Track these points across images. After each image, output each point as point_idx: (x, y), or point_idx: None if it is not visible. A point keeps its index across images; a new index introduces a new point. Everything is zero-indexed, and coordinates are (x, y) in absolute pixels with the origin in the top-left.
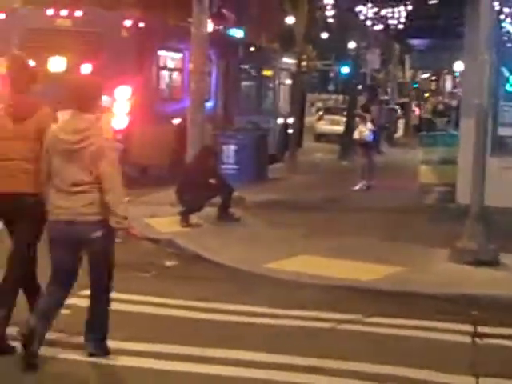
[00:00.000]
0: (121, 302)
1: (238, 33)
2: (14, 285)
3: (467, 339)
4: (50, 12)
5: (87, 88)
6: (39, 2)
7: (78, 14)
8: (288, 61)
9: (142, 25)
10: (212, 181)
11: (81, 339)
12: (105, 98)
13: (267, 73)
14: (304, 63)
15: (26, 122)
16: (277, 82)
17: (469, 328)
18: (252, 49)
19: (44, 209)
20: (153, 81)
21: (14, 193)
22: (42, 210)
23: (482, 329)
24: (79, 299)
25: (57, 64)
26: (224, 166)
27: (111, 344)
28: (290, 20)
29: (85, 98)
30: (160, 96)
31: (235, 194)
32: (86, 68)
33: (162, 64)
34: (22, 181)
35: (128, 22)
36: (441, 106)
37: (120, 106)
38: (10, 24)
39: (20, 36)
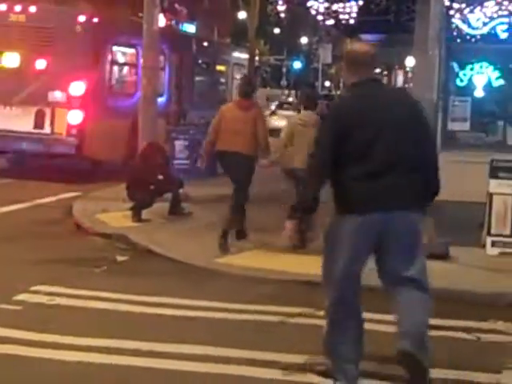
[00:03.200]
0: (70, 296)
1: (190, 27)
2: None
3: None
4: (2, 7)
5: None
6: None
7: (32, 9)
8: (241, 56)
9: (95, 20)
10: (160, 177)
11: (31, 335)
12: (59, 94)
13: (220, 68)
14: (256, 58)
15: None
16: (230, 76)
17: None
18: (204, 44)
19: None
20: (106, 76)
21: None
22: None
23: (432, 320)
24: (30, 295)
25: (11, 59)
26: (176, 162)
27: (60, 339)
28: (242, 15)
29: None
30: (114, 91)
31: (180, 191)
32: (41, 63)
33: (115, 59)
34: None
35: (82, 18)
36: None
37: (74, 101)
38: None
39: None
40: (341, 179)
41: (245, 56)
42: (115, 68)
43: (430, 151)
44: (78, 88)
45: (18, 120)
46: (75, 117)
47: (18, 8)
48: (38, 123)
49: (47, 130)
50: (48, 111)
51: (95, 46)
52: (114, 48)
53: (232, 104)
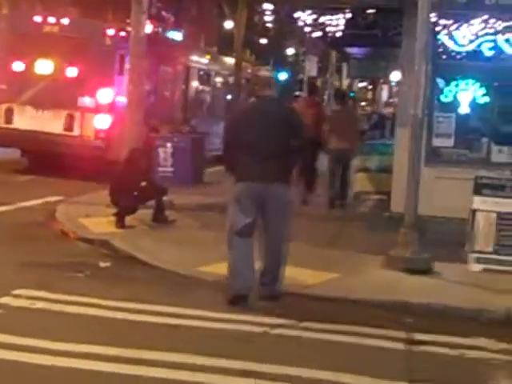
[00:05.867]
0: (52, 301)
1: (176, 35)
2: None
3: (401, 346)
4: (38, 19)
5: None
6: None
7: (65, 21)
8: (227, 65)
9: (123, 34)
10: (144, 183)
11: (12, 339)
12: (87, 99)
13: (207, 76)
14: (249, 70)
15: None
16: (217, 85)
17: (402, 335)
18: (191, 51)
19: None
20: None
21: None
22: None
23: (415, 336)
24: (12, 298)
25: (44, 66)
26: (160, 169)
27: (39, 344)
28: (228, 24)
29: None
30: None
31: (164, 198)
32: (72, 71)
33: None
34: None
35: (111, 31)
36: (375, 117)
37: (102, 107)
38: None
39: (9, 40)
40: (238, 159)
41: (231, 66)
42: None
43: (295, 144)
44: (105, 95)
45: (49, 122)
46: (103, 121)
47: (52, 20)
48: (68, 126)
49: (76, 132)
50: (77, 115)
51: (121, 57)
52: None
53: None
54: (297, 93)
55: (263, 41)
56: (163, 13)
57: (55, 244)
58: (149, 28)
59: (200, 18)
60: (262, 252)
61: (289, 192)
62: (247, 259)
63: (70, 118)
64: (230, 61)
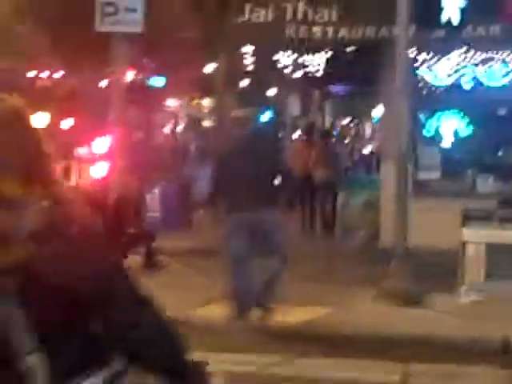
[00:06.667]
0: None
1: (158, 81)
2: None
3: (396, 378)
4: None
5: None
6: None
7: (58, 75)
8: (209, 109)
9: None
10: (132, 230)
11: None
12: (83, 150)
13: (191, 120)
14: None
15: None
16: (201, 129)
17: (397, 367)
18: (174, 97)
19: None
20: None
21: None
22: None
23: (410, 368)
24: None
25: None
26: (148, 215)
27: None
28: (209, 68)
29: None
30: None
31: (153, 244)
32: (67, 123)
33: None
34: None
35: (104, 82)
36: (357, 152)
37: (97, 157)
38: None
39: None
40: (228, 193)
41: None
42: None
43: (277, 172)
44: (100, 145)
45: None
46: (99, 171)
47: (44, 74)
48: (66, 176)
49: (73, 182)
50: (74, 165)
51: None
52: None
53: None
54: (294, 136)
55: (244, 83)
56: (144, 60)
57: None
58: (130, 75)
59: (181, 63)
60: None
61: (277, 216)
62: (248, 283)
63: (68, 168)
64: (212, 104)
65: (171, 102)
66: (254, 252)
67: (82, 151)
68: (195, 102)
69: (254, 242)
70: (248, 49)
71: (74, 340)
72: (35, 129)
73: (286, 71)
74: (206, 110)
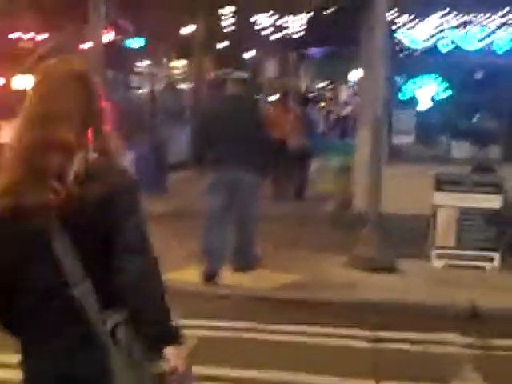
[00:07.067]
0: None
1: (138, 42)
2: None
3: (366, 344)
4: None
5: None
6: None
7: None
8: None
9: None
10: None
11: None
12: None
13: (169, 81)
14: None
15: None
16: (179, 90)
17: (367, 333)
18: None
19: None
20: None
21: None
22: None
23: (380, 333)
24: None
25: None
26: None
27: None
28: (187, 29)
29: None
30: None
31: None
32: None
33: None
34: None
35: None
36: (333, 116)
37: None
38: None
39: None
40: (211, 152)
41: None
42: None
43: (259, 135)
44: None
45: None
46: None
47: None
48: None
49: None
50: None
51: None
52: None
53: None
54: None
55: (223, 45)
56: (121, 21)
57: None
58: (108, 37)
59: (159, 24)
60: (233, 232)
61: (256, 179)
62: (220, 241)
63: None
64: (191, 65)
65: (149, 64)
66: (230, 214)
67: None
68: (173, 63)
69: (230, 203)
70: (227, 10)
71: (109, 277)
72: (96, 89)
73: (265, 33)
74: (183, 71)
